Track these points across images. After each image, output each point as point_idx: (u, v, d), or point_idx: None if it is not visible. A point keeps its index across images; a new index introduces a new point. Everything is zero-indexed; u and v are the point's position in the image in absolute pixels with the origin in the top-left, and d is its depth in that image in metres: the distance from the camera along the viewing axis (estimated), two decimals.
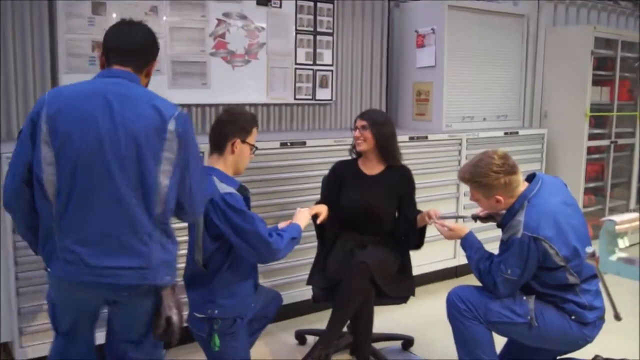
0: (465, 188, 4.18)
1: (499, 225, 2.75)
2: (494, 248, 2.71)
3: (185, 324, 2.58)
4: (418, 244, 3.14)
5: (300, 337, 3.47)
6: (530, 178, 2.65)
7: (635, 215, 1.88)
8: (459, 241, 2.84)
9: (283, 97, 4.25)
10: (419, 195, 3.23)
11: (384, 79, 4.81)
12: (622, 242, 1.84)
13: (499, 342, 2.69)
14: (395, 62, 4.91)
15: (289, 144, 3.61)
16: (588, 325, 2.52)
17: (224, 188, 2.42)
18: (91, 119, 1.86)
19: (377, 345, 3.23)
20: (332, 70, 4.45)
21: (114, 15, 3.48)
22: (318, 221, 2.96)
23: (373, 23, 4.66)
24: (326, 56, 4.41)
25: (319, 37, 4.35)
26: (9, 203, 1.98)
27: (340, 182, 3.15)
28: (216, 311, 2.49)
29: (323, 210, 2.97)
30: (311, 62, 4.34)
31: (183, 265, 2.66)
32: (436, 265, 4.39)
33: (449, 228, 2.84)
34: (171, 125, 1.91)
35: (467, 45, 4.62)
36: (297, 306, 3.68)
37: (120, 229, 1.88)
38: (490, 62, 4.82)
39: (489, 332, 2.59)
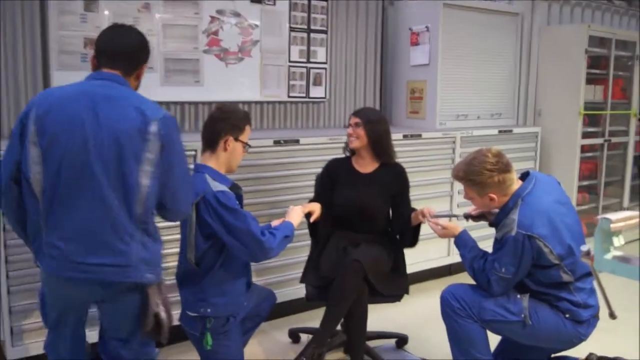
0: (459, 186, 4.18)
1: (491, 225, 2.74)
2: (487, 246, 2.71)
3: (177, 323, 2.61)
4: (412, 242, 3.13)
5: (294, 335, 3.46)
6: (524, 176, 2.65)
7: (630, 213, 1.88)
8: (452, 239, 2.83)
9: (276, 94, 4.23)
10: (413, 194, 3.22)
11: (378, 77, 4.80)
12: (617, 241, 1.84)
13: (493, 340, 2.69)
14: (390, 60, 4.90)
15: (282, 141, 3.60)
16: (582, 323, 2.52)
17: (216, 186, 2.41)
18: (77, 120, 1.92)
19: (371, 344, 3.22)
20: (326, 68, 4.43)
21: (106, 12, 3.46)
22: (311, 219, 2.95)
23: (367, 21, 4.65)
24: (320, 54, 4.39)
25: (312, 35, 4.33)
26: None
27: (333, 180, 3.14)
28: (209, 310, 2.48)
29: (316, 208, 2.95)
30: (305, 60, 4.32)
31: (173, 263, 2.65)
32: (430, 264, 4.38)
33: (443, 226, 2.83)
34: (153, 127, 1.96)
35: (462, 43, 4.62)
36: (291, 304, 3.67)
37: (102, 228, 1.93)
38: (485, 60, 4.82)
39: (483, 330, 2.58)
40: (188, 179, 2.22)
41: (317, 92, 4.43)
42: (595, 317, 2.57)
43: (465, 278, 2.79)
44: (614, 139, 5.65)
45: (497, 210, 2.64)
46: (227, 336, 2.54)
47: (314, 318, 3.26)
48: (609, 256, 1.85)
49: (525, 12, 5.19)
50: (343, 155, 3.22)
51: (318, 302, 3.05)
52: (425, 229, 3.07)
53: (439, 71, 4.48)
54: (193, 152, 3.18)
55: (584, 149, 5.29)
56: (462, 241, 2.75)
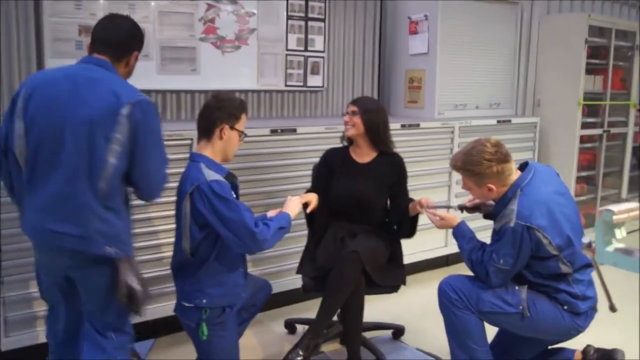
0: (457, 176, 4.17)
1: (485, 216, 2.72)
2: (485, 237, 2.69)
3: (172, 313, 2.60)
4: (410, 232, 3.11)
5: (290, 326, 3.45)
6: (523, 167, 2.62)
7: (633, 205, 1.85)
8: (450, 230, 2.81)
9: (274, 83, 4.20)
10: (411, 184, 3.19)
11: (376, 66, 4.77)
12: (620, 233, 1.81)
13: (490, 332, 2.67)
14: (388, 48, 4.87)
15: (279, 130, 3.57)
16: (580, 315, 2.50)
17: (211, 175, 2.38)
18: (58, 101, 2.09)
19: (368, 335, 3.21)
20: (323, 57, 4.40)
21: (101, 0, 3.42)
22: (308, 210, 2.92)
23: (365, 9, 4.61)
24: (317, 42, 4.36)
25: (310, 23, 4.29)
26: None
27: (330, 170, 3.11)
28: (204, 300, 2.46)
29: (313, 198, 2.93)
30: (302, 48, 4.29)
31: (168, 253, 2.63)
32: (427, 254, 4.37)
33: (441, 217, 2.81)
34: (125, 110, 2.07)
35: (461, 32, 4.58)
36: (287, 295, 3.66)
37: (67, 199, 2.08)
38: (484, 49, 4.78)
39: (480, 322, 2.57)
40: (161, 161, 2.28)
41: (314, 80, 4.39)
42: (593, 309, 2.56)
43: (462, 269, 2.77)
44: (613, 130, 5.62)
45: (492, 202, 2.62)
46: (223, 327, 2.52)
47: (310, 309, 3.25)
48: (610, 248, 1.83)
49: (525, 1, 5.15)
50: (341, 145, 3.19)
51: (315, 293, 3.03)
52: (422, 220, 3.06)
53: (438, 60, 4.44)
54: (189, 141, 3.15)
55: (583, 139, 5.27)
56: (460, 232, 2.73)
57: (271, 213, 2.66)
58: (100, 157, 2.07)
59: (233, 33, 3.94)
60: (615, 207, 1.81)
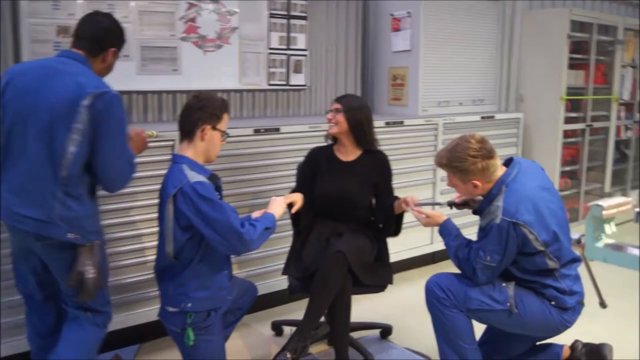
0: (441, 173, 4.14)
1: (474, 212, 2.71)
2: (471, 233, 2.67)
3: (157, 318, 2.56)
4: (396, 231, 3.09)
5: (277, 328, 3.42)
6: (508, 163, 2.61)
7: (622, 199, 1.84)
8: (436, 227, 2.80)
9: (256, 82, 4.16)
10: (395, 181, 3.18)
11: (359, 64, 4.74)
12: (609, 228, 1.80)
13: (478, 329, 2.66)
14: (371, 46, 4.85)
15: (262, 130, 3.53)
16: (568, 310, 2.50)
17: (193, 177, 2.35)
18: (26, 90, 2.20)
19: (355, 335, 3.19)
20: (306, 55, 4.36)
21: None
22: (293, 210, 2.90)
23: (348, 6, 4.58)
24: (300, 40, 4.32)
25: (292, 21, 4.25)
26: None
27: (315, 169, 3.08)
28: (189, 304, 2.42)
29: (298, 198, 2.91)
30: (285, 47, 4.25)
31: (151, 257, 2.59)
32: (413, 252, 4.35)
33: (427, 215, 2.79)
34: (86, 101, 2.15)
35: (443, 29, 4.56)
36: (273, 296, 3.62)
37: (32, 184, 2.19)
38: (467, 46, 4.77)
39: (468, 320, 2.56)
40: (122, 153, 2.31)
41: (297, 79, 4.35)
42: (580, 304, 2.56)
43: (448, 266, 2.76)
44: (596, 124, 5.65)
45: (481, 198, 2.60)
46: (208, 331, 2.49)
47: (297, 310, 3.23)
48: (600, 244, 1.81)
49: None
50: (325, 144, 3.17)
51: (301, 294, 3.00)
52: (407, 217, 3.04)
53: (421, 57, 4.43)
54: (171, 142, 3.11)
55: (566, 134, 5.29)
56: (446, 230, 2.72)
57: (255, 214, 2.63)
58: (60, 146, 2.15)
59: (214, 32, 3.90)
60: (604, 202, 1.80)
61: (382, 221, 3.10)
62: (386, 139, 3.79)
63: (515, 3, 5.26)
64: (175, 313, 2.44)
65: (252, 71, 4.12)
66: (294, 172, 3.30)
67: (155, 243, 2.57)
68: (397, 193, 3.14)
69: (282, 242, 3.46)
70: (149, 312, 3.09)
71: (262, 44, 4.14)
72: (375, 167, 3.07)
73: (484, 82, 5.01)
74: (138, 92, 3.70)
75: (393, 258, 3.16)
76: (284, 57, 4.25)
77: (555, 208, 2.52)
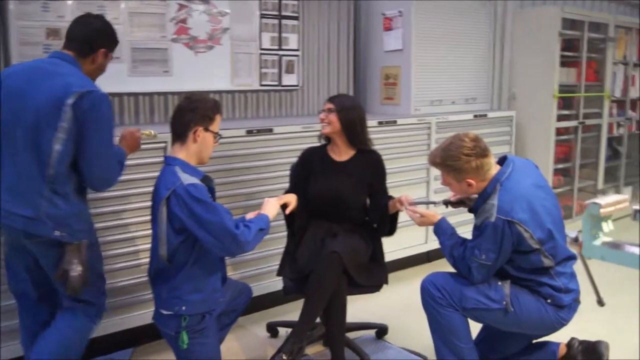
0: (435, 172, 4.16)
1: (470, 210, 2.70)
2: (466, 232, 2.67)
3: (151, 321, 2.54)
4: (390, 230, 3.08)
5: (272, 329, 3.40)
6: (502, 161, 2.60)
7: (619, 197, 1.83)
8: (430, 227, 2.79)
9: (248, 83, 4.14)
10: (389, 181, 3.17)
11: (351, 64, 4.73)
12: (607, 226, 1.79)
13: (474, 328, 2.66)
14: (363, 46, 4.84)
15: (255, 131, 3.51)
16: (564, 308, 2.50)
17: (186, 179, 2.33)
18: (16, 91, 2.24)
19: (351, 335, 3.18)
20: (298, 55, 4.35)
21: (69, 1, 3.33)
22: (287, 211, 2.88)
23: (339, 6, 4.57)
24: (292, 41, 4.30)
25: (284, 22, 4.24)
26: None
27: (308, 169, 3.07)
28: (183, 307, 2.41)
29: (292, 199, 2.89)
30: (277, 47, 4.23)
31: (145, 260, 2.57)
32: (407, 251, 4.34)
33: (421, 214, 2.78)
34: (70, 100, 2.18)
35: (435, 28, 4.56)
36: (268, 298, 3.61)
37: (22, 183, 2.23)
38: (459, 44, 4.77)
39: (464, 319, 2.55)
40: (107, 152, 2.34)
41: (289, 80, 4.34)
42: (576, 301, 2.55)
43: (443, 265, 2.75)
44: (588, 121, 5.66)
45: (476, 196, 2.60)
46: (203, 334, 2.47)
47: (292, 311, 3.21)
48: (598, 242, 1.80)
49: None
50: (319, 144, 3.15)
51: (296, 295, 2.99)
52: (402, 217, 3.03)
53: (413, 56, 4.42)
54: (163, 144, 3.09)
55: (558, 131, 5.30)
56: (441, 229, 2.71)
57: (249, 215, 2.61)
58: (47, 144, 2.18)
59: (205, 33, 3.88)
60: (601, 200, 1.79)
61: (376, 221, 3.09)
62: (379, 139, 3.77)
63: (506, 2, 5.27)
64: (170, 316, 2.43)
65: (244, 72, 4.10)
66: (288, 172, 3.29)
67: (148, 246, 2.55)
68: (390, 192, 3.13)
69: (277, 243, 3.45)
70: (143, 315, 3.07)
71: (253, 44, 4.12)
72: (369, 167, 3.06)
73: (477, 81, 5.01)
74: (129, 94, 3.68)
75: (388, 258, 3.15)
76: (275, 57, 4.24)
77: (550, 206, 2.51)
